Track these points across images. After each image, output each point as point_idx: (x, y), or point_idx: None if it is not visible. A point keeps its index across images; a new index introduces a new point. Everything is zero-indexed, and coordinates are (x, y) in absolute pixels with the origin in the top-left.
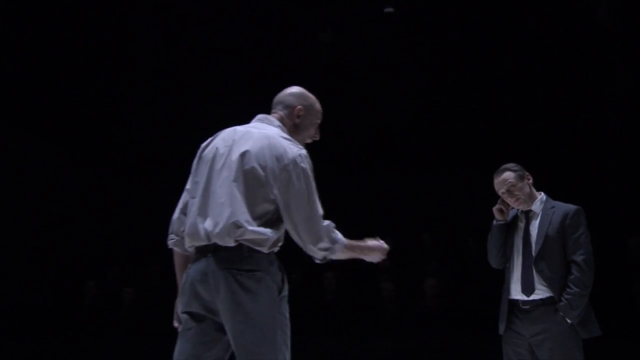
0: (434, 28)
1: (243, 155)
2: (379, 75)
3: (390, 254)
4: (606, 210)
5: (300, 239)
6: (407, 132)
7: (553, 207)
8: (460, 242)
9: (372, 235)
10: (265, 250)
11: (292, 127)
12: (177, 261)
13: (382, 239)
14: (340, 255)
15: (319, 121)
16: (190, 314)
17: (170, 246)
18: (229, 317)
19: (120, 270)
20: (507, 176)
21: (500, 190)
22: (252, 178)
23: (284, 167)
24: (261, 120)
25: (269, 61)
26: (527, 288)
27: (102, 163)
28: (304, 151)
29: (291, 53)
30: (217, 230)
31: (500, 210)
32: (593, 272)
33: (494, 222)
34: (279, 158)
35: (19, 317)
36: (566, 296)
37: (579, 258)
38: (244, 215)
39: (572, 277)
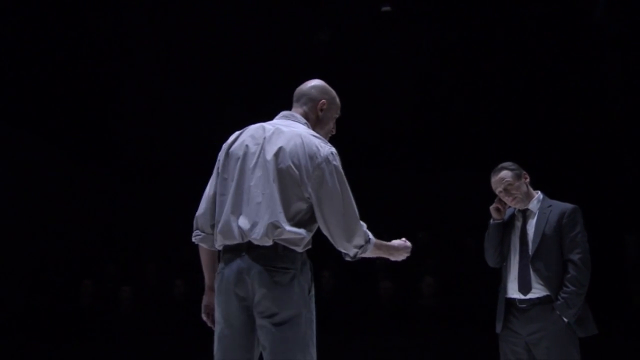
0: (431, 27)
1: (277, 154)
2: (376, 75)
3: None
4: (603, 209)
5: (333, 236)
6: (404, 130)
7: (550, 205)
8: (458, 240)
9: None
10: (299, 249)
11: (315, 121)
12: (204, 257)
13: (380, 238)
14: (369, 253)
15: (337, 116)
16: (228, 316)
17: (196, 242)
18: (264, 315)
19: (117, 269)
20: (504, 175)
21: (498, 189)
22: (287, 177)
23: (318, 165)
24: (287, 117)
25: (266, 60)
26: (524, 287)
27: (100, 162)
28: (334, 149)
29: (288, 52)
30: (256, 230)
31: (497, 209)
32: (590, 271)
33: (491, 220)
34: (312, 156)
35: (15, 317)
36: (563, 295)
37: (575, 257)
38: (281, 216)
39: (569, 275)
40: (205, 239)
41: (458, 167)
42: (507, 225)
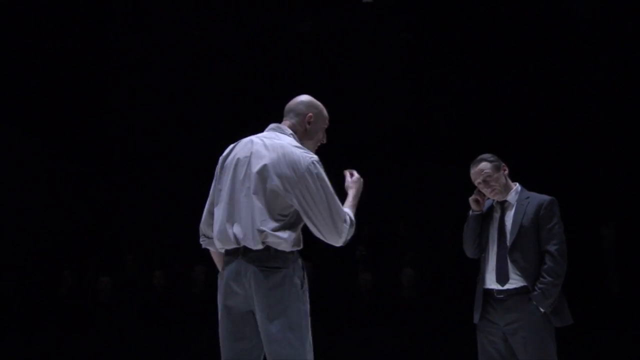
0: (412, 19)
1: (262, 168)
2: (356, 67)
3: (368, 244)
4: (579, 201)
5: (325, 236)
6: (383, 123)
7: (528, 197)
8: (437, 232)
9: None
10: (288, 249)
11: (304, 133)
12: (215, 258)
13: (360, 230)
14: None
15: (326, 126)
16: (229, 310)
17: (203, 246)
18: (261, 310)
19: (96, 260)
20: (483, 167)
21: (477, 180)
22: (270, 189)
23: (301, 175)
24: (274, 130)
25: (247, 53)
26: (502, 278)
27: (80, 153)
28: (315, 157)
29: (269, 43)
30: (246, 237)
31: (476, 201)
32: (566, 262)
33: (470, 212)
34: (294, 167)
35: None
36: (540, 286)
37: (552, 248)
38: (265, 223)
39: (545, 266)
40: (211, 243)
41: (437, 159)
42: (485, 217)
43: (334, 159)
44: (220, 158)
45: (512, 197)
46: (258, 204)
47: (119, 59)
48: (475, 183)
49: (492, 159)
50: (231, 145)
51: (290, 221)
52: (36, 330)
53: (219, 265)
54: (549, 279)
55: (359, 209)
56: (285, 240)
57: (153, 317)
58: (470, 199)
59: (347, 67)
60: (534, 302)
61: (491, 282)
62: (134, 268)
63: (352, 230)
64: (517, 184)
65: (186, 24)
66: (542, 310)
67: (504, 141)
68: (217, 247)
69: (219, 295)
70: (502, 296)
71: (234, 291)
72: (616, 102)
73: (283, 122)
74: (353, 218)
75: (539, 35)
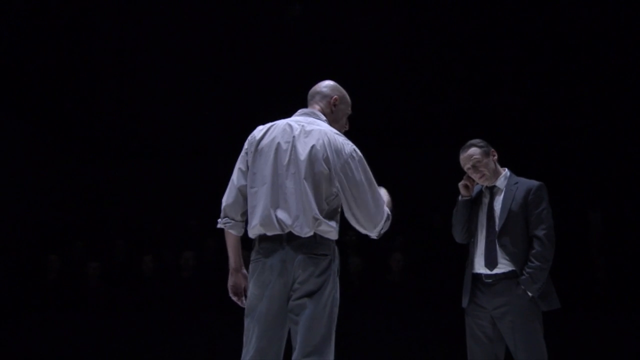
0: (403, 2)
1: (309, 152)
2: (346, 50)
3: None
4: (567, 187)
5: (363, 224)
6: (372, 107)
7: (516, 183)
8: (426, 217)
9: None
10: (334, 237)
11: (330, 115)
12: (232, 242)
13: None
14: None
15: (349, 112)
16: (270, 298)
17: (226, 229)
18: (304, 294)
19: (85, 244)
20: (472, 152)
21: (466, 165)
22: (318, 174)
23: (344, 161)
24: (308, 115)
25: (236, 37)
26: (490, 262)
27: (69, 138)
28: (356, 147)
29: (258, 28)
30: (297, 222)
31: (466, 186)
32: (554, 247)
33: (459, 197)
34: (338, 154)
35: None
36: (528, 270)
37: (540, 233)
38: (316, 210)
39: (534, 251)
40: (235, 226)
41: (427, 144)
42: (474, 202)
43: None
44: (251, 139)
45: (501, 182)
46: (308, 190)
47: (107, 45)
48: (465, 168)
49: (481, 144)
50: (262, 128)
51: (335, 208)
52: (25, 315)
53: (234, 250)
54: (537, 263)
55: None
56: (334, 229)
57: (142, 302)
58: (460, 184)
59: (337, 51)
60: (522, 287)
61: (480, 267)
62: (123, 253)
63: (388, 224)
64: (506, 169)
65: (174, 10)
66: (530, 294)
67: (493, 127)
68: (239, 231)
69: (256, 281)
70: (490, 280)
71: (279, 281)
72: (604, 88)
73: (311, 107)
74: (389, 212)
75: (530, 20)
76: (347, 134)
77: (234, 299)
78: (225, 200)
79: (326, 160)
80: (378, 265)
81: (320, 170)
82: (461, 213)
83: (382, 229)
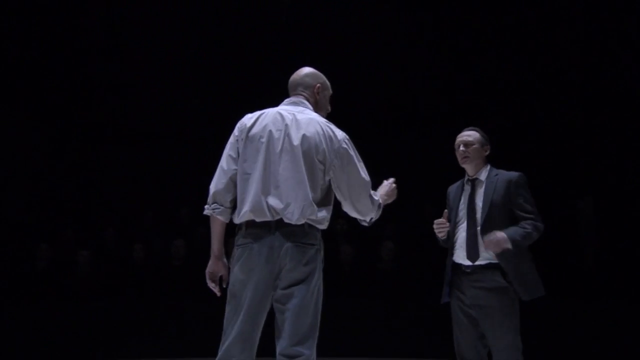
0: None
1: (302, 141)
2: (337, 39)
3: (349, 217)
4: (557, 175)
5: (356, 210)
6: (364, 95)
7: (497, 174)
8: (417, 206)
9: None
10: (322, 227)
11: (315, 104)
12: (217, 229)
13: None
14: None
15: (330, 94)
16: (256, 283)
17: (215, 215)
18: (291, 283)
19: (75, 233)
20: (471, 133)
21: (459, 140)
22: (312, 162)
23: (338, 149)
24: (297, 104)
25: (227, 24)
26: (472, 255)
27: (60, 126)
28: (346, 135)
29: (250, 15)
30: (289, 209)
31: (439, 231)
32: (541, 231)
33: (438, 237)
34: (332, 141)
35: None
36: (521, 226)
37: (530, 215)
38: (310, 198)
39: (529, 221)
40: (223, 212)
41: (418, 132)
42: (456, 194)
43: None
44: (241, 126)
45: (482, 175)
46: (304, 177)
47: (99, 31)
48: (456, 142)
49: (483, 134)
50: (252, 116)
51: (328, 198)
52: (15, 303)
53: (218, 237)
54: (529, 228)
55: None
56: (325, 218)
57: (133, 291)
58: (435, 228)
59: (328, 40)
60: (506, 235)
61: (460, 258)
62: (113, 241)
63: (379, 213)
64: (488, 164)
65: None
66: (509, 246)
67: (485, 116)
68: (227, 217)
69: (242, 266)
70: (468, 270)
71: (266, 267)
72: (594, 76)
73: (296, 97)
74: (382, 202)
75: (521, 10)
76: (340, 121)
77: (210, 285)
78: (215, 186)
79: (320, 148)
80: (369, 254)
81: (314, 158)
82: (443, 243)
83: (374, 215)
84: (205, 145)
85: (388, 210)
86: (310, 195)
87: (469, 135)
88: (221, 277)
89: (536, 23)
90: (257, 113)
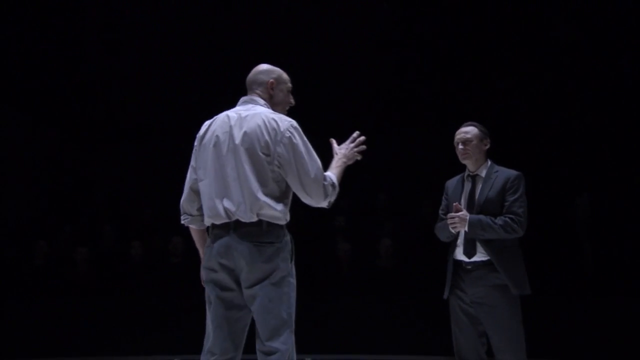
0: None
1: (244, 137)
2: (333, 34)
3: (347, 215)
4: (554, 172)
5: (310, 196)
6: (362, 91)
7: (497, 171)
8: (415, 203)
9: None
10: (281, 222)
11: (271, 100)
12: (196, 236)
13: (339, 201)
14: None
15: (290, 86)
16: (216, 283)
17: (185, 224)
18: (254, 283)
19: (73, 229)
20: (469, 130)
21: (457, 138)
22: (255, 156)
23: (281, 137)
24: (247, 102)
25: (220, 23)
26: (469, 250)
27: (56, 122)
28: (293, 121)
29: (246, 8)
30: (241, 208)
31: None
32: (518, 232)
33: (450, 230)
34: (275, 131)
35: None
36: (491, 218)
37: (510, 216)
38: (259, 193)
39: (505, 218)
40: (194, 221)
41: (417, 130)
42: (455, 189)
43: (314, 127)
44: (197, 136)
45: (482, 172)
46: (249, 174)
47: (95, 26)
48: (455, 140)
49: (482, 128)
50: (207, 123)
51: (280, 192)
52: (12, 300)
53: (199, 244)
54: (500, 223)
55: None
56: (279, 212)
57: (131, 288)
58: (449, 223)
59: (322, 34)
60: (468, 217)
61: (460, 254)
62: (111, 238)
63: (336, 192)
64: (489, 160)
65: None
66: (464, 228)
67: (482, 113)
68: (199, 225)
69: (206, 269)
70: (469, 267)
71: (222, 265)
72: (590, 73)
73: (250, 95)
74: (335, 181)
75: (519, 5)
76: (337, 119)
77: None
78: (182, 197)
79: (262, 140)
80: (367, 251)
81: (258, 153)
82: (447, 235)
83: (330, 197)
84: None
85: (386, 208)
86: (259, 191)
87: (467, 132)
88: None
89: (534, 19)
90: (210, 120)
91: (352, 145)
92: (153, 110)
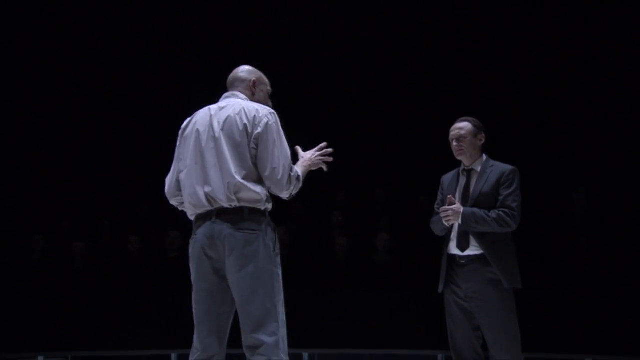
0: None
1: (223, 124)
2: (334, 31)
3: (344, 209)
4: (551, 167)
5: (272, 184)
6: (358, 87)
7: (492, 166)
8: (412, 198)
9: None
10: (262, 207)
11: (252, 98)
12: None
13: (337, 194)
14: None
15: (270, 90)
16: (202, 275)
17: (181, 209)
18: (235, 272)
19: (70, 224)
20: (463, 126)
21: (452, 134)
22: (235, 141)
23: (259, 123)
24: (228, 97)
25: (217, 16)
26: (462, 244)
27: (53, 116)
28: (273, 111)
29: (245, 7)
30: (219, 193)
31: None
32: (511, 226)
33: (444, 223)
34: (254, 118)
35: None
36: (485, 211)
37: (504, 209)
38: (237, 175)
39: (499, 212)
40: (181, 206)
41: (414, 125)
42: (451, 184)
43: (312, 122)
44: (180, 131)
45: (477, 166)
46: (228, 158)
47: (88, 19)
48: (450, 135)
49: (475, 123)
50: (189, 118)
51: (259, 176)
52: (9, 295)
53: None
54: (492, 216)
55: (335, 174)
56: (258, 194)
57: (128, 283)
58: (443, 217)
59: (320, 29)
60: (462, 210)
61: (454, 248)
62: (108, 233)
63: (299, 186)
64: (484, 155)
65: None
66: (458, 220)
67: (478, 108)
68: (188, 214)
69: (193, 259)
70: (463, 261)
71: (207, 255)
72: (586, 68)
73: (230, 92)
74: (301, 175)
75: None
76: (334, 115)
77: None
78: (166, 189)
79: (242, 125)
80: (364, 246)
81: (237, 136)
82: (441, 229)
83: (292, 189)
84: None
85: (383, 202)
86: (237, 173)
87: (461, 128)
88: None
89: (531, 15)
90: (192, 115)
91: (318, 153)
92: (149, 104)
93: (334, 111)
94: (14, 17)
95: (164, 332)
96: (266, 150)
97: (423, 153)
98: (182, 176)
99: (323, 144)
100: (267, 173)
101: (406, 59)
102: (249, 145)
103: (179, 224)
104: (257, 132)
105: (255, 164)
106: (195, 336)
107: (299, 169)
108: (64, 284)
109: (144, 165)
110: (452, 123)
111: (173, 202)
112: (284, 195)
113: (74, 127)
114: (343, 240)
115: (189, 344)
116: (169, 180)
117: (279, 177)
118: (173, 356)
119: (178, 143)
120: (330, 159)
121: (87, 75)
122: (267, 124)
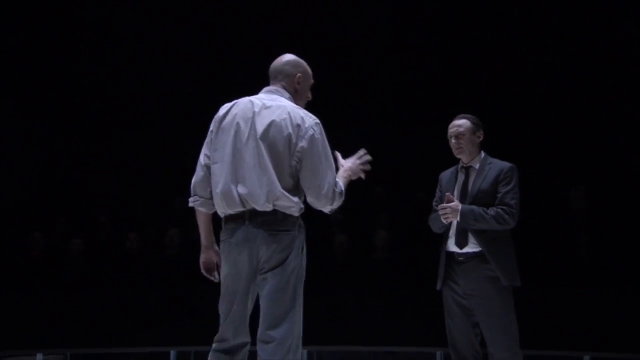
0: None
1: (268, 128)
2: (337, 26)
3: (343, 207)
4: (549, 164)
5: (316, 199)
6: (358, 84)
7: (490, 163)
8: (411, 196)
9: None
10: (296, 214)
11: (295, 93)
12: (202, 219)
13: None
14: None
15: (312, 83)
16: (235, 274)
17: (196, 207)
18: (267, 269)
19: (68, 221)
20: (461, 123)
21: (450, 131)
22: (277, 148)
23: (304, 134)
24: (272, 92)
25: (220, 15)
26: (461, 241)
27: (53, 114)
28: (317, 120)
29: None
30: (256, 197)
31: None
32: (510, 224)
33: (443, 221)
34: (299, 127)
35: None
36: (483, 209)
37: (503, 207)
38: (277, 184)
39: (497, 209)
40: (204, 204)
41: (413, 122)
42: (449, 181)
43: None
44: (216, 117)
45: (476, 163)
46: (268, 164)
47: (89, 20)
48: (448, 133)
49: (474, 120)
50: (226, 105)
51: (296, 185)
52: (7, 293)
53: (204, 227)
54: (491, 213)
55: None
56: (295, 204)
57: (126, 280)
58: (441, 214)
59: (321, 24)
60: (460, 207)
61: (452, 245)
62: (107, 230)
63: (341, 200)
64: (482, 152)
65: None
66: (456, 218)
67: (477, 105)
68: (209, 208)
69: (226, 260)
70: (462, 259)
71: (242, 257)
72: (585, 64)
73: (274, 85)
74: (344, 190)
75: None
76: (332, 112)
77: (207, 275)
78: (194, 178)
79: (286, 134)
80: (363, 243)
81: (280, 144)
82: (439, 226)
83: (335, 203)
84: (199, 134)
85: (382, 200)
86: (278, 181)
87: (460, 125)
88: (216, 264)
89: (530, 12)
90: (231, 103)
91: (359, 161)
92: (149, 104)
93: (332, 109)
94: (13, 16)
95: (163, 329)
96: (311, 166)
97: (421, 150)
98: (215, 168)
99: (362, 151)
100: (311, 189)
101: (404, 56)
102: (290, 157)
103: (178, 222)
104: (301, 144)
105: (293, 175)
106: (226, 330)
107: (341, 180)
108: (63, 281)
109: (142, 163)
110: (451, 120)
111: (196, 198)
112: (326, 209)
113: (73, 125)
114: (342, 238)
115: (188, 341)
116: (200, 171)
117: (323, 192)
118: (172, 353)
119: (212, 129)
120: (369, 167)
121: (86, 74)
122: (312, 136)
